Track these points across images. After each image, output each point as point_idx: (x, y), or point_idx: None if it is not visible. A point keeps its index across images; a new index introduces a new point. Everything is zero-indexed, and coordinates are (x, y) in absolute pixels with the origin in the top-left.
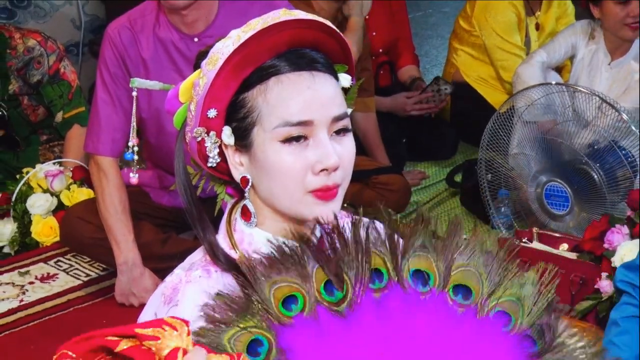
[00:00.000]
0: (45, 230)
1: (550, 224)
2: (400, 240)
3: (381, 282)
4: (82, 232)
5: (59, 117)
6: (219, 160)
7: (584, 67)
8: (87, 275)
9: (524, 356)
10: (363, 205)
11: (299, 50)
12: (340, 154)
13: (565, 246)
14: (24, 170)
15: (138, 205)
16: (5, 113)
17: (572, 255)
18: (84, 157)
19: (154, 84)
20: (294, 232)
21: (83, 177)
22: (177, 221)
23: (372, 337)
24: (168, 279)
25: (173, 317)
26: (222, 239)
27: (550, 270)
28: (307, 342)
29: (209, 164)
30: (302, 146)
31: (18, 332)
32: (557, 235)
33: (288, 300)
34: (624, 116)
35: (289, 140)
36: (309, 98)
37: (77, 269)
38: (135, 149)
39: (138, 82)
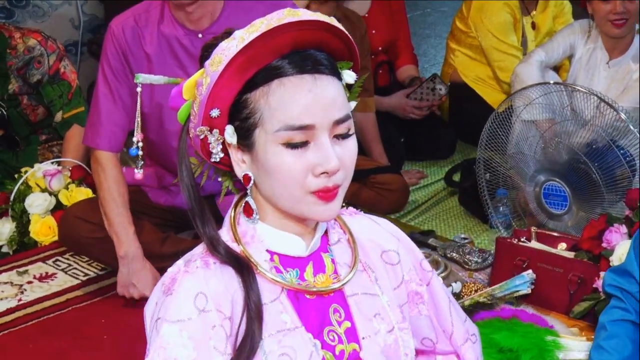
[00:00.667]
0: (43, 229)
1: (549, 223)
2: None
3: None
4: (80, 232)
5: (58, 117)
6: (222, 155)
7: (582, 67)
8: (86, 274)
9: None
10: (362, 204)
11: (303, 52)
12: (341, 156)
13: (563, 245)
14: (23, 169)
15: (137, 205)
16: (5, 112)
17: (570, 255)
18: (83, 157)
19: (158, 79)
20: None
21: (81, 176)
22: (176, 220)
23: None
24: (169, 269)
25: None
26: (225, 232)
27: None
28: None
29: (213, 160)
30: (303, 149)
31: (17, 332)
32: (555, 234)
33: None
34: (623, 116)
35: (290, 145)
36: (310, 102)
37: (75, 268)
38: (140, 144)
39: (142, 78)
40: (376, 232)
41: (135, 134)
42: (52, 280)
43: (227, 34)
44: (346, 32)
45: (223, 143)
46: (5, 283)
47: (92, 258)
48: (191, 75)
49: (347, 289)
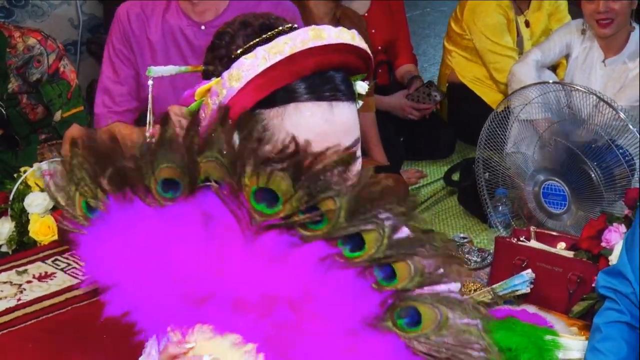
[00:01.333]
0: (42, 229)
1: (548, 223)
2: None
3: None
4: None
5: (57, 116)
6: None
7: (578, 66)
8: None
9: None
10: None
11: (323, 76)
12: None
13: (562, 245)
14: (22, 169)
15: None
16: (4, 112)
17: (570, 254)
18: None
19: (170, 69)
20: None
21: None
22: None
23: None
24: None
25: None
26: None
27: None
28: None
29: None
30: None
31: (16, 331)
32: (554, 233)
33: None
34: (622, 115)
35: None
36: (324, 131)
37: (74, 267)
38: (154, 139)
39: (154, 71)
40: None
41: (147, 129)
42: (51, 279)
43: (243, 24)
44: (367, 50)
45: None
46: (5, 283)
47: None
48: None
49: None
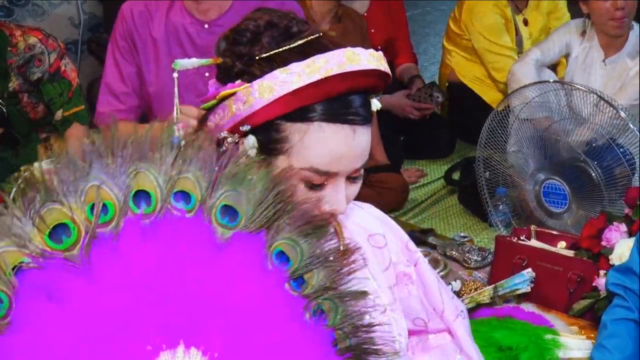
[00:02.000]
0: None
1: (548, 222)
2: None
3: (149, 207)
4: None
5: (58, 115)
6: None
7: (578, 65)
8: None
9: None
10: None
11: (350, 98)
12: (347, 195)
13: (563, 244)
14: (22, 168)
15: None
16: (5, 110)
17: (570, 253)
18: None
19: (193, 62)
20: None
21: None
22: None
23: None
24: None
25: None
26: None
27: None
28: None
29: (219, 148)
30: (319, 189)
31: None
32: (555, 232)
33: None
34: (622, 114)
35: (308, 184)
36: (342, 153)
37: None
38: (181, 132)
39: (180, 64)
40: (361, 217)
41: (175, 122)
42: None
43: (269, 24)
44: (389, 72)
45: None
46: None
47: None
48: None
49: None
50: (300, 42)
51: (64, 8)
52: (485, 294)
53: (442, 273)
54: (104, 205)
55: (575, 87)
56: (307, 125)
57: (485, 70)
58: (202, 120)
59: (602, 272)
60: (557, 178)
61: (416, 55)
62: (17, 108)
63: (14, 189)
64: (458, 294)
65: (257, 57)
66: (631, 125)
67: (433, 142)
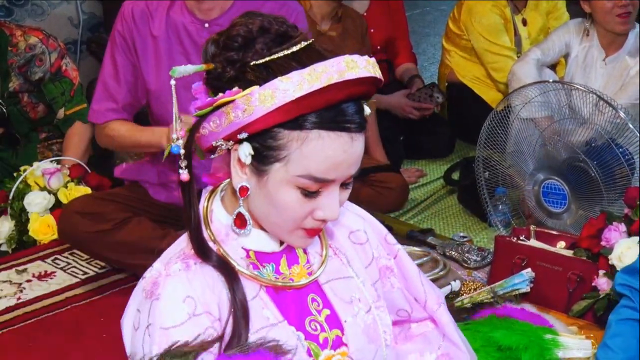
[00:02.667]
0: (42, 228)
1: (548, 222)
2: None
3: None
4: (79, 227)
5: (60, 114)
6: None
7: (578, 65)
8: (85, 273)
9: None
10: (361, 202)
11: (345, 107)
12: (340, 201)
13: (562, 244)
14: (22, 168)
15: (137, 202)
16: (5, 110)
17: (569, 253)
18: (83, 154)
19: (189, 69)
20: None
21: (81, 175)
22: (176, 218)
23: None
24: (147, 274)
25: None
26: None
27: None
28: None
29: (212, 157)
30: (314, 196)
31: (16, 330)
32: (554, 232)
33: None
34: (621, 114)
35: (304, 191)
36: (340, 161)
37: (74, 266)
38: (180, 141)
39: (178, 71)
40: (341, 214)
41: (174, 130)
42: (51, 278)
43: (262, 30)
44: (382, 80)
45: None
46: (5, 281)
47: (92, 255)
48: (192, 63)
49: (321, 277)
50: (295, 48)
51: (63, 8)
52: (484, 294)
53: (441, 273)
54: None
55: (574, 87)
56: (305, 133)
57: (485, 70)
58: (194, 128)
59: (601, 272)
60: (556, 178)
61: (416, 55)
62: (17, 108)
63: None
64: (458, 293)
65: (251, 64)
66: (630, 125)
67: (433, 142)
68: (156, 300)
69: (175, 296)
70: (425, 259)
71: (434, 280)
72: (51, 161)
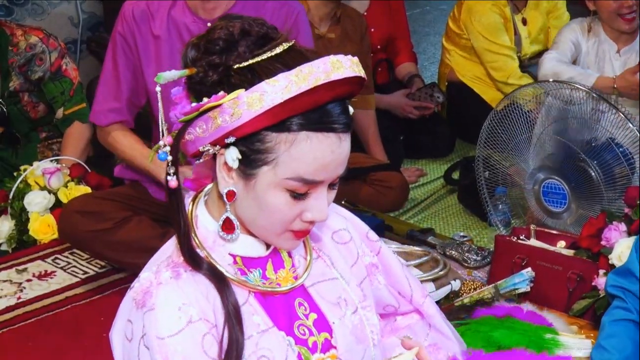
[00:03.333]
0: (42, 227)
1: (548, 221)
2: None
3: None
4: (79, 226)
5: (59, 113)
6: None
7: (591, 61)
8: (85, 272)
9: None
10: (362, 201)
11: (331, 107)
12: (327, 202)
13: (562, 243)
14: (22, 167)
15: (137, 201)
16: (5, 110)
17: (570, 253)
18: (82, 153)
19: (174, 74)
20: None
21: (81, 174)
22: None
23: None
24: (136, 285)
25: None
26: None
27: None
28: None
29: (197, 162)
30: (303, 198)
31: (16, 330)
32: (554, 232)
33: None
34: (622, 114)
35: (293, 194)
36: (328, 161)
37: (74, 266)
38: (167, 148)
39: (164, 77)
40: None
41: (161, 137)
42: (51, 278)
43: (243, 32)
44: (365, 79)
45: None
46: (5, 281)
47: (93, 254)
48: None
49: (306, 281)
50: (278, 50)
51: (63, 7)
52: (484, 294)
53: (441, 272)
54: None
55: (575, 86)
56: (293, 135)
57: (484, 69)
58: (179, 134)
59: (601, 271)
60: (556, 177)
61: (416, 54)
62: (17, 107)
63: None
64: (458, 293)
65: (235, 67)
66: (631, 125)
67: (433, 141)
68: (150, 311)
69: (170, 304)
70: (425, 258)
71: (434, 280)
72: (51, 161)
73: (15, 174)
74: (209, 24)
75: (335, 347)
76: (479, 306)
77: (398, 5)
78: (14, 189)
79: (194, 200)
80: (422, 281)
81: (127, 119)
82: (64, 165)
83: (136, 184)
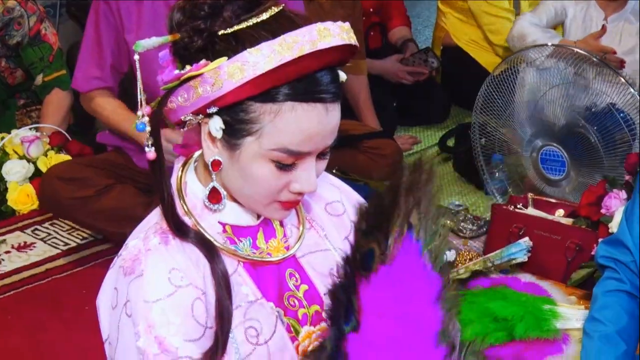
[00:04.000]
0: (21, 197)
1: (546, 190)
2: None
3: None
4: (61, 193)
5: (38, 80)
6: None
7: (578, 26)
8: (66, 244)
9: None
10: (354, 170)
11: (319, 76)
12: (317, 172)
13: (561, 212)
14: (0, 135)
15: (121, 169)
16: None
17: (568, 221)
18: (63, 121)
19: (154, 41)
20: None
21: (61, 143)
22: None
23: None
24: (123, 252)
25: None
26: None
27: None
28: None
29: (182, 129)
30: (290, 169)
31: None
32: (552, 200)
33: None
34: (622, 78)
35: (279, 165)
36: (315, 132)
37: (55, 237)
38: (146, 119)
39: (142, 45)
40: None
41: (140, 107)
42: (30, 249)
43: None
44: (357, 46)
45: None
46: None
47: (75, 221)
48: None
49: (298, 251)
50: (264, 16)
51: None
52: (480, 264)
53: (435, 243)
54: None
55: (575, 50)
56: (278, 105)
57: (482, 32)
58: (162, 102)
59: (601, 240)
60: (555, 144)
61: (410, 18)
62: None
63: None
64: (453, 264)
65: (220, 33)
66: (632, 90)
67: (427, 108)
68: (138, 277)
69: (159, 269)
70: None
71: None
72: (30, 129)
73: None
74: None
75: (325, 320)
76: (475, 277)
77: None
78: None
79: (183, 166)
80: None
81: (111, 85)
82: (43, 133)
83: (119, 152)
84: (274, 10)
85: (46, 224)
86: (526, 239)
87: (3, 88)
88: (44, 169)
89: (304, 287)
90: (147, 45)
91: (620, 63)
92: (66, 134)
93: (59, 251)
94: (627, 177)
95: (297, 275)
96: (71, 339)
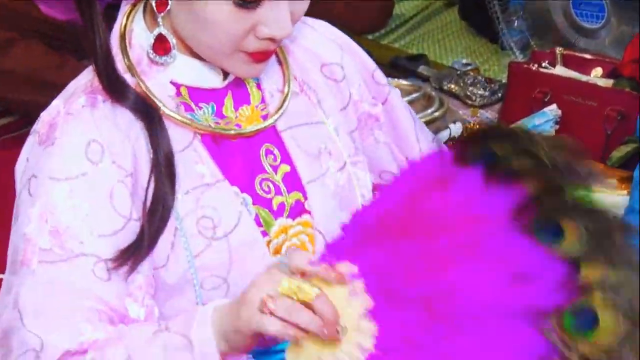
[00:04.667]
0: None
1: (580, 42)
2: None
3: None
4: None
5: None
6: None
7: None
8: None
9: None
10: (331, 21)
11: None
12: (295, 12)
13: (599, 71)
14: None
15: (23, 19)
16: None
17: (608, 83)
18: None
19: None
20: None
21: None
22: (76, 43)
23: None
24: (44, 114)
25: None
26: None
27: None
28: None
29: None
30: (254, 7)
31: None
32: (587, 57)
33: None
34: None
35: (239, 2)
36: None
37: None
38: None
39: None
40: (312, 40)
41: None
42: None
43: None
44: None
45: None
46: None
47: None
48: None
49: (279, 121)
50: None
51: None
52: None
53: (436, 114)
54: None
55: None
56: None
57: None
58: None
59: None
60: None
61: None
62: None
63: None
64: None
65: None
66: None
67: None
68: (50, 146)
69: (75, 141)
70: (415, 95)
71: (427, 123)
72: None
73: None
74: None
75: (309, 213)
76: None
77: None
78: None
79: (131, 9)
80: None
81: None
82: None
83: None
84: None
85: None
86: (553, 106)
87: None
88: None
89: (284, 168)
90: None
91: None
92: None
93: None
94: None
95: (276, 152)
96: None
